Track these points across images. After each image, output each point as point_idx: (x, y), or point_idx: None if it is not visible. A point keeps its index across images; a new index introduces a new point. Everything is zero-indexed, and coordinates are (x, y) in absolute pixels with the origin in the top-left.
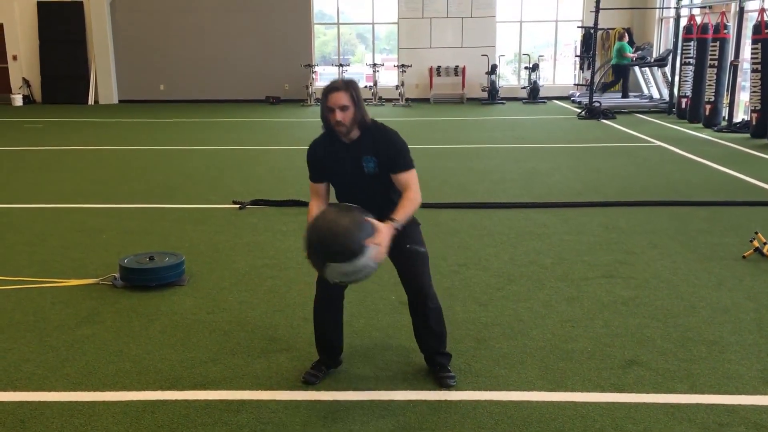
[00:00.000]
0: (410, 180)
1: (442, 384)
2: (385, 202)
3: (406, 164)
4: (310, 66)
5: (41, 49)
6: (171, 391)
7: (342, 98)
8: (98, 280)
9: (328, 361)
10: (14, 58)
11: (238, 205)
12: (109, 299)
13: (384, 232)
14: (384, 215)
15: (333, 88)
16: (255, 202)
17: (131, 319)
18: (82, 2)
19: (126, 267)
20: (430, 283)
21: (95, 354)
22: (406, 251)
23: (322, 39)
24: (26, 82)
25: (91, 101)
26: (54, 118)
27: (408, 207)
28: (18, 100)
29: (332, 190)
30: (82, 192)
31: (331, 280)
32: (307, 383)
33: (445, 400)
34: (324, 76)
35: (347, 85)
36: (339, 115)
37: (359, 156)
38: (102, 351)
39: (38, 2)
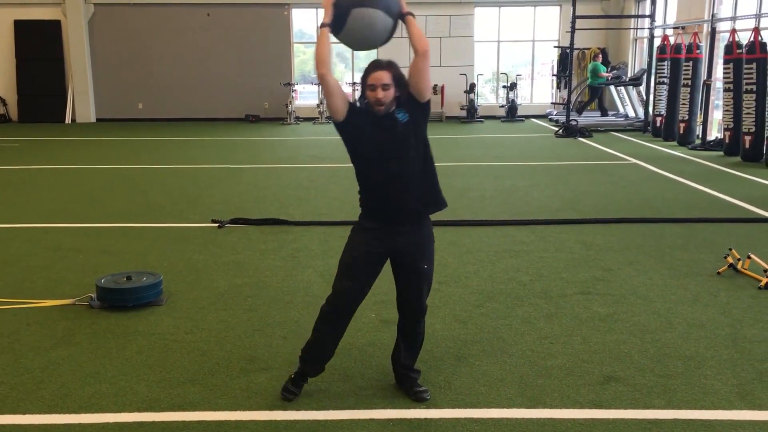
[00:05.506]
0: None
1: (419, 399)
2: (422, 180)
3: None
4: (289, 84)
5: (18, 68)
6: (148, 412)
7: (384, 77)
8: (74, 300)
9: (310, 370)
10: None
11: (217, 224)
12: (86, 320)
13: None
14: (423, 195)
15: (376, 65)
16: (234, 221)
17: (108, 340)
18: (59, 21)
19: (103, 287)
20: (427, 305)
21: (71, 376)
22: (423, 271)
23: (302, 58)
24: (2, 100)
25: (68, 120)
26: (31, 137)
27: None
28: None
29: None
30: (58, 212)
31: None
32: (286, 400)
33: (425, 419)
34: (303, 94)
35: (390, 64)
36: (380, 94)
37: (393, 113)
38: (78, 373)
39: (15, 20)
